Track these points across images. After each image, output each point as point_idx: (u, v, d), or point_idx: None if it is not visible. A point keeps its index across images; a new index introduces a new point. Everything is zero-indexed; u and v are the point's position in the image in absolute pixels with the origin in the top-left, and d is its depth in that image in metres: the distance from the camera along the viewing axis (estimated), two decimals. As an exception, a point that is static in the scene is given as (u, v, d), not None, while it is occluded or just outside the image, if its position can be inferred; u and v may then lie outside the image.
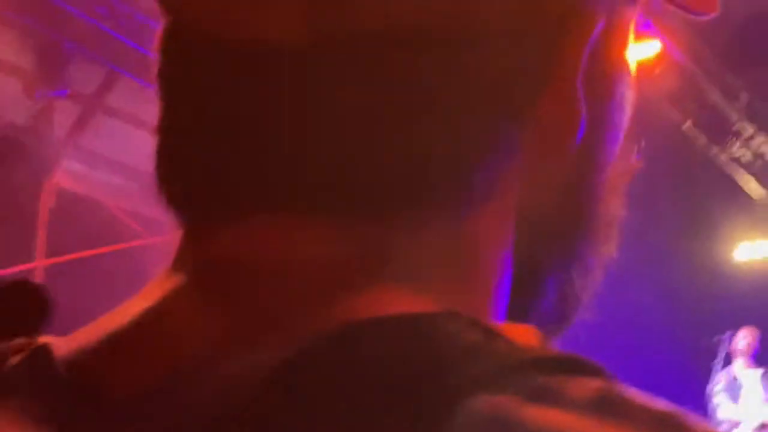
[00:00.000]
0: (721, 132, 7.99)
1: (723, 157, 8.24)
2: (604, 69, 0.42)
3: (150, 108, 0.40)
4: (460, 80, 0.37)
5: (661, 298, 9.06)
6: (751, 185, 8.61)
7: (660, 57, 6.66)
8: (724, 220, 9.04)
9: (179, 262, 0.39)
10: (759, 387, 6.59)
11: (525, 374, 0.31)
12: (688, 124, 7.76)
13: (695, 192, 8.47)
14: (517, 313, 0.42)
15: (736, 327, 6.86)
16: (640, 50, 6.62)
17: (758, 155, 8.28)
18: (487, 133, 0.38)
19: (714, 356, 6.83)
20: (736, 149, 8.20)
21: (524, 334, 0.37)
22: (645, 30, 6.47)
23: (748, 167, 8.40)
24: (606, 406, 0.30)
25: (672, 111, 7.53)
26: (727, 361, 6.81)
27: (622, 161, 0.45)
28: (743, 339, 6.76)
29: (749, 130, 8.01)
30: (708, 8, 0.45)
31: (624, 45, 0.43)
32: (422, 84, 0.37)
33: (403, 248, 0.37)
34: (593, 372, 0.33)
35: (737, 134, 8.06)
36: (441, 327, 0.34)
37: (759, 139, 8.13)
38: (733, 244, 9.48)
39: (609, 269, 0.46)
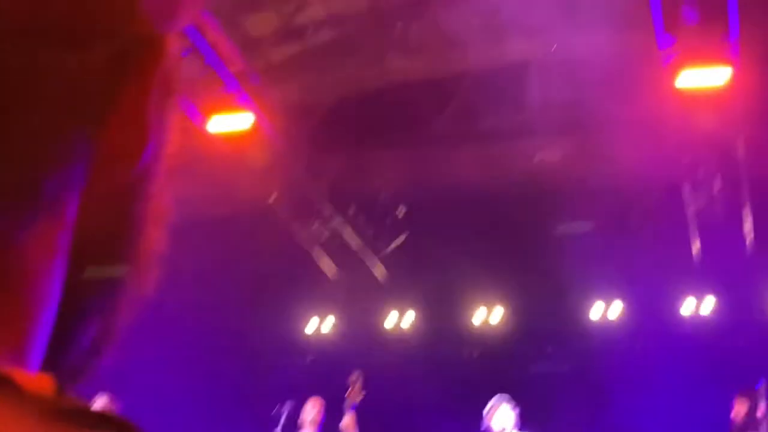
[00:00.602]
0: (302, 210, 8.33)
1: (302, 234, 8.56)
2: (163, 106, 0.43)
3: None
4: (35, 80, 0.37)
5: (234, 366, 9.15)
6: (325, 262, 9.02)
7: (252, 130, 6.83)
8: (298, 294, 9.37)
9: None
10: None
11: (35, 427, 0.31)
12: (273, 198, 8.01)
13: (272, 264, 8.71)
14: (56, 344, 0.40)
15: (301, 396, 7.06)
16: (236, 122, 6.76)
17: (335, 235, 8.71)
18: (58, 140, 0.38)
19: (277, 424, 6.96)
20: (315, 227, 8.56)
21: (38, 381, 0.36)
22: (239, 103, 6.64)
23: (324, 245, 8.79)
24: None
25: (258, 184, 7.72)
26: (290, 428, 6.96)
27: (165, 196, 0.45)
28: (311, 408, 6.96)
29: (328, 210, 8.42)
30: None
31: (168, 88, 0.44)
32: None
33: None
34: (114, 426, 0.34)
35: (317, 213, 8.44)
36: None
37: (337, 220, 8.56)
38: (306, 318, 9.84)
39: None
